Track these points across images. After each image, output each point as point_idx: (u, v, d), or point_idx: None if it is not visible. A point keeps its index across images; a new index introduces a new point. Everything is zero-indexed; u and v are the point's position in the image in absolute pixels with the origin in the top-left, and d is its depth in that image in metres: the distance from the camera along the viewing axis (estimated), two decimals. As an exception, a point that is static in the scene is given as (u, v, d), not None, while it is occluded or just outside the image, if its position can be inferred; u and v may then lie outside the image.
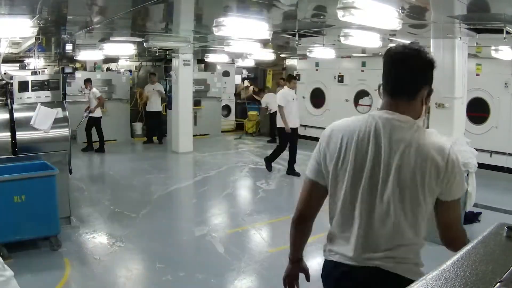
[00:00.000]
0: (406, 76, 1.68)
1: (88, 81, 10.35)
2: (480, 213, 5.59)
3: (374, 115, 1.71)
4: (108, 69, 12.70)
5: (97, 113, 10.18)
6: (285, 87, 8.26)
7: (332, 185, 1.76)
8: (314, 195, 1.85)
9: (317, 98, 12.22)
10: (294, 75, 9.70)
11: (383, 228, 1.65)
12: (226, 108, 13.77)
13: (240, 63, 13.72)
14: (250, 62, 13.20)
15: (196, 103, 11.96)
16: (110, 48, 8.29)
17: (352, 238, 1.69)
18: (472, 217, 5.46)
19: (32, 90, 5.60)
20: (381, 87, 1.78)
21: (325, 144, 1.78)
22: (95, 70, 12.10)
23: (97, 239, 5.07)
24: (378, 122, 1.68)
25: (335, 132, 1.77)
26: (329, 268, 1.80)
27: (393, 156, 1.63)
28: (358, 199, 1.68)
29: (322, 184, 1.82)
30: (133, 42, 8.26)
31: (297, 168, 8.00)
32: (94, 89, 10.21)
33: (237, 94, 14.33)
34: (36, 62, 7.57)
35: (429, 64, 1.69)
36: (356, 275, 1.69)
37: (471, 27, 5.09)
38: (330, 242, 1.81)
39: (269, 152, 8.63)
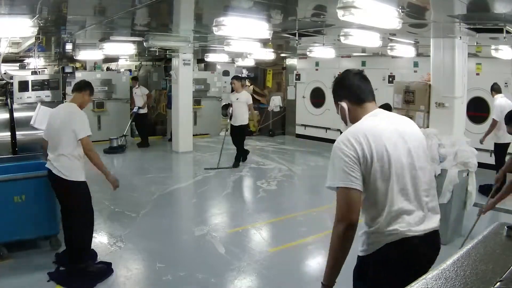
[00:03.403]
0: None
1: (135, 79, 11.02)
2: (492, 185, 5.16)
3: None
4: (108, 69, 12.70)
5: (144, 109, 10.85)
6: None
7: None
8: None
9: (317, 97, 12.22)
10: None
11: None
12: (226, 107, 13.75)
13: (240, 62, 13.71)
14: (250, 62, 13.19)
15: (196, 102, 11.96)
16: (110, 48, 8.27)
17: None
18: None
19: (32, 90, 5.61)
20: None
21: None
22: (95, 69, 12.11)
23: (97, 238, 5.06)
24: None
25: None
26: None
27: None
28: None
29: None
30: (133, 42, 8.25)
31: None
32: (142, 87, 10.86)
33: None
34: (36, 61, 7.57)
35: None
36: None
37: (471, 27, 5.08)
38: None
39: (268, 151, 8.57)
